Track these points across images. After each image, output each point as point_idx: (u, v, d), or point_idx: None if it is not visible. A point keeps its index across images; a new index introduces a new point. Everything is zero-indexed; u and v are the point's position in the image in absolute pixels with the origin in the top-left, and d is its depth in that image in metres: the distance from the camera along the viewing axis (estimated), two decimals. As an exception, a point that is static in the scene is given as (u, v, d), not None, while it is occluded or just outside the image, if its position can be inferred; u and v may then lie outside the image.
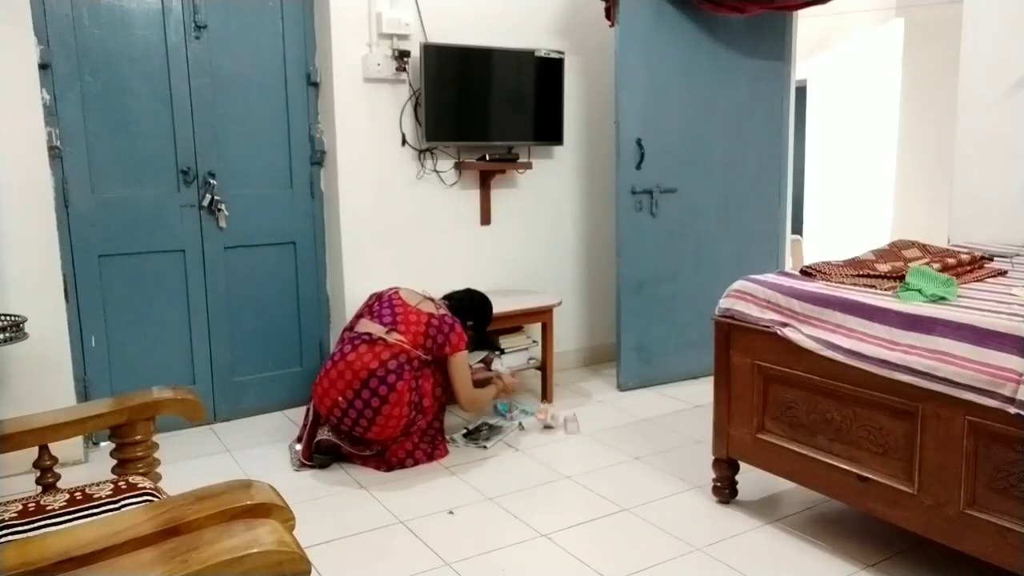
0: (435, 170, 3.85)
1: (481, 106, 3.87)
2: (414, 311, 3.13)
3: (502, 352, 3.74)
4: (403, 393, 2.90)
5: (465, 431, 3.35)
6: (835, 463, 2.26)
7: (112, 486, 1.64)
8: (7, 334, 2.63)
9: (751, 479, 2.68)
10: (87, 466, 3.10)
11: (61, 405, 2.30)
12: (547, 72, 3.98)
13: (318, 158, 3.72)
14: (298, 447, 3.10)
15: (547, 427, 3.44)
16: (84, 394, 3.23)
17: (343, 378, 2.93)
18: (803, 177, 6.42)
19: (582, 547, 2.42)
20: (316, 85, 3.68)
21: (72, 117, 3.17)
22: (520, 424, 3.44)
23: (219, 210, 3.47)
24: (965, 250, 2.72)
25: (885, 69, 5.84)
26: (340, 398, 2.92)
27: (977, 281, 2.42)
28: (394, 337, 3.02)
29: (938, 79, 5.19)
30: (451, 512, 2.68)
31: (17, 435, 1.64)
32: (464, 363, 3.17)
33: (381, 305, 3.17)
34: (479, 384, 3.37)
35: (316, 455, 3.05)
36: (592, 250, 4.42)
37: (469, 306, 3.41)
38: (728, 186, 4.11)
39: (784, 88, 4.20)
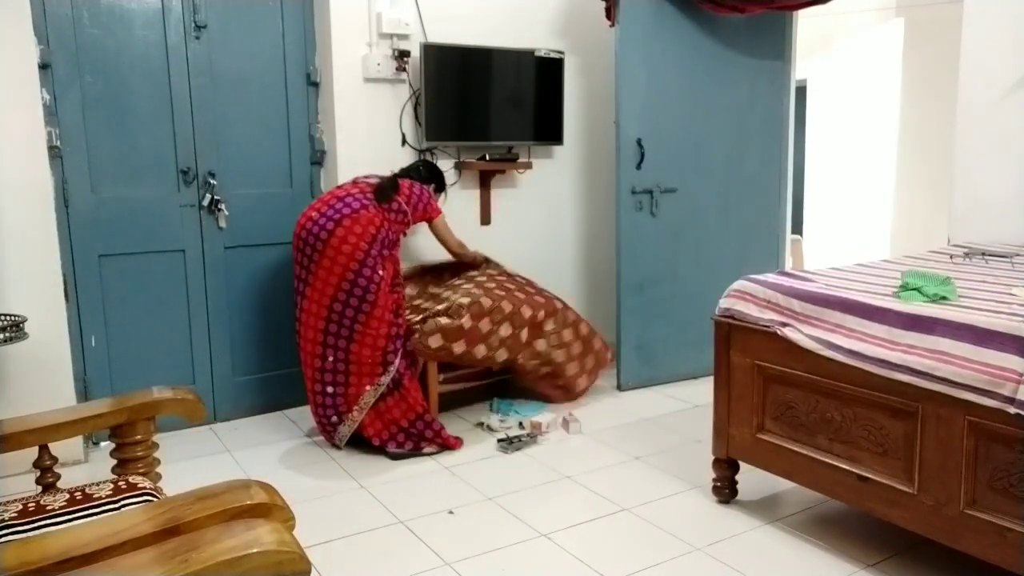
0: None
1: (481, 106, 3.87)
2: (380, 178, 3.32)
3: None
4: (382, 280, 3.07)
5: (501, 439, 3.28)
6: (835, 463, 2.26)
7: (112, 486, 1.64)
8: (7, 334, 2.63)
9: (751, 479, 2.68)
10: (87, 466, 3.10)
11: (61, 405, 2.31)
12: (547, 72, 3.98)
13: (318, 158, 3.72)
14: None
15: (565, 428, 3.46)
16: (84, 394, 3.23)
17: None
18: (803, 177, 6.42)
19: (582, 547, 2.42)
20: (316, 85, 3.68)
21: (72, 117, 3.17)
22: (545, 428, 3.39)
23: (219, 210, 3.47)
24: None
25: (885, 69, 5.84)
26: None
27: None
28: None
29: (938, 79, 5.19)
30: (451, 512, 2.68)
31: (17, 435, 1.64)
32: (446, 221, 3.49)
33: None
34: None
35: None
36: (592, 250, 4.42)
37: (427, 173, 3.55)
38: (728, 186, 4.11)
39: (784, 88, 4.20)
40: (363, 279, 3.02)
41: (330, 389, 3.09)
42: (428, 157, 3.82)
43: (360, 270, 3.02)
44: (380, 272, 3.06)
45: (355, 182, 3.28)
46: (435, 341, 3.16)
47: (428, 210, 3.36)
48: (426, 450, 3.16)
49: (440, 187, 3.64)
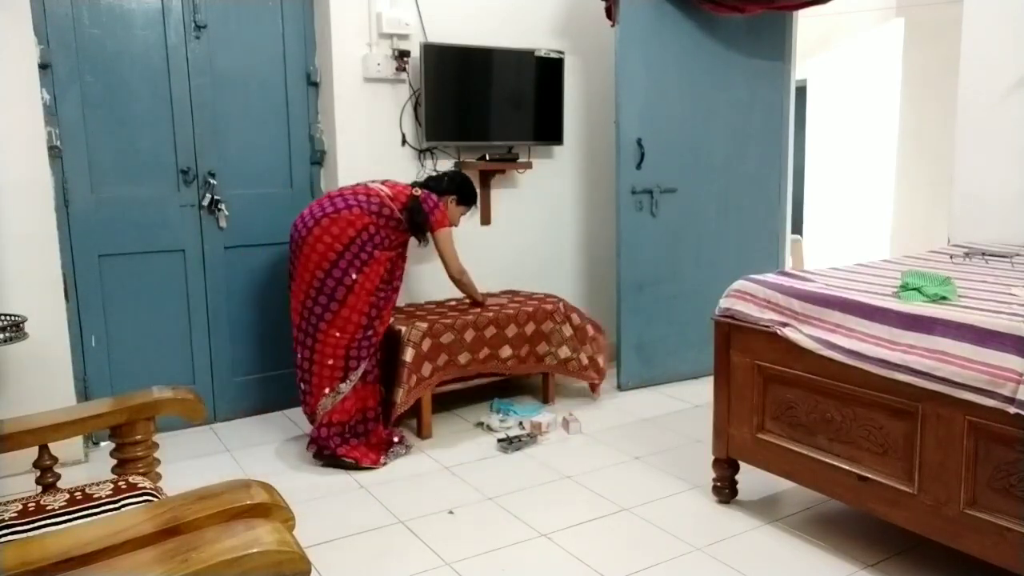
0: (435, 170, 3.85)
1: (481, 106, 3.87)
2: (390, 184, 3.22)
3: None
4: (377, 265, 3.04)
5: (501, 439, 3.27)
6: (835, 463, 2.26)
7: (112, 486, 1.64)
8: (7, 334, 2.63)
9: (751, 479, 2.68)
10: (87, 466, 3.10)
11: (61, 405, 2.31)
12: (547, 72, 3.98)
13: (318, 158, 3.72)
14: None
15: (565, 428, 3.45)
16: (84, 394, 3.23)
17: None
18: (803, 177, 6.42)
19: (582, 547, 2.42)
20: (316, 85, 3.68)
21: (72, 117, 3.17)
22: (544, 428, 3.38)
23: (219, 210, 3.47)
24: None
25: (885, 69, 5.84)
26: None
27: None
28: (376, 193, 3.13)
29: (938, 79, 5.19)
30: (451, 512, 2.68)
31: (17, 435, 1.64)
32: (450, 238, 3.28)
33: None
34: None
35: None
36: (592, 250, 4.42)
37: (449, 184, 3.37)
38: (728, 186, 4.11)
39: (784, 88, 4.21)
40: (332, 280, 2.99)
41: (303, 386, 3.10)
42: (430, 157, 3.82)
43: (330, 271, 2.99)
44: (353, 276, 3.00)
45: (357, 185, 3.20)
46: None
47: (429, 220, 3.21)
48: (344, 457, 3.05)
49: (464, 199, 3.42)
